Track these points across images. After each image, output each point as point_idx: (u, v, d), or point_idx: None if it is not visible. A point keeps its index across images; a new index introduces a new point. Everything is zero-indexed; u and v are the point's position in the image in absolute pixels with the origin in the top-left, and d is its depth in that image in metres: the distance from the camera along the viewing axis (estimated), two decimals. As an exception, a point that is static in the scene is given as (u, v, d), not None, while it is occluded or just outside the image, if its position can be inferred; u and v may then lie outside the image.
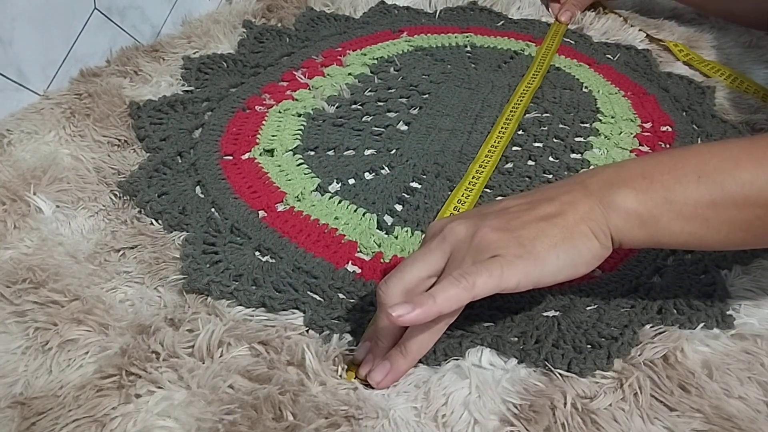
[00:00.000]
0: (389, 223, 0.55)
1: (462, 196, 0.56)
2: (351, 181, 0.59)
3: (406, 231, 0.54)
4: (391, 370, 0.41)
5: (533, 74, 0.75)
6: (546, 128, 0.67)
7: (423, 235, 0.53)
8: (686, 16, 0.95)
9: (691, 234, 0.41)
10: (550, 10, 0.94)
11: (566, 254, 0.40)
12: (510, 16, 0.92)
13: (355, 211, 0.55)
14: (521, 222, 0.41)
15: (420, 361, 0.42)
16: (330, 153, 0.62)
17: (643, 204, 0.40)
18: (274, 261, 0.50)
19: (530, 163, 0.63)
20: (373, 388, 0.41)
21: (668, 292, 0.48)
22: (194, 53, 0.76)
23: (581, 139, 0.66)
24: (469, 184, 0.57)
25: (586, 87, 0.76)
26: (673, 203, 0.40)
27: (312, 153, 0.62)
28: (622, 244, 0.41)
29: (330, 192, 0.57)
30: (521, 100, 0.70)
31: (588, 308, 0.47)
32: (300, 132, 0.64)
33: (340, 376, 0.42)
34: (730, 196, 0.40)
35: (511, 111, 0.68)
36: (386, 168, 0.61)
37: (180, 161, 0.60)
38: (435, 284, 0.40)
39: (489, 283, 0.38)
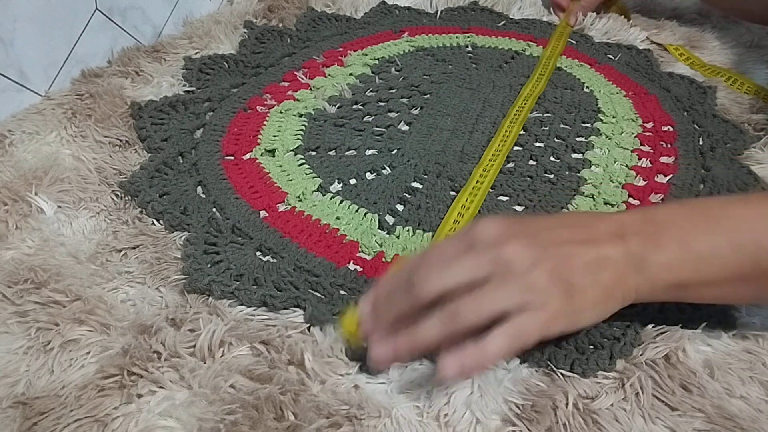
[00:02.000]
0: (390, 223, 0.55)
1: (466, 201, 0.56)
2: (352, 181, 0.59)
3: (408, 231, 0.53)
4: (394, 352, 0.40)
5: (538, 77, 0.75)
6: (547, 128, 0.67)
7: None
8: (687, 16, 0.95)
9: (717, 298, 0.43)
10: (552, 10, 0.94)
11: (597, 315, 0.41)
12: (511, 16, 0.92)
13: (357, 211, 0.55)
14: (572, 268, 0.40)
15: (422, 360, 0.42)
16: (331, 153, 0.62)
17: (674, 274, 0.40)
18: (275, 261, 0.50)
19: (531, 162, 0.63)
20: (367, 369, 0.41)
21: (670, 292, 0.48)
22: (195, 54, 0.76)
23: (582, 139, 0.66)
24: (473, 188, 0.57)
25: (587, 87, 0.76)
26: (705, 273, 0.40)
27: (313, 153, 0.62)
28: (639, 302, 0.42)
29: (331, 192, 0.57)
30: (525, 103, 0.70)
31: (590, 308, 0.47)
32: (301, 132, 0.64)
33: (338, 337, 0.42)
34: (764, 272, 0.40)
35: (515, 114, 0.68)
36: (387, 168, 0.61)
37: (181, 161, 0.60)
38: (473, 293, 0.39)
39: (534, 335, 0.39)
